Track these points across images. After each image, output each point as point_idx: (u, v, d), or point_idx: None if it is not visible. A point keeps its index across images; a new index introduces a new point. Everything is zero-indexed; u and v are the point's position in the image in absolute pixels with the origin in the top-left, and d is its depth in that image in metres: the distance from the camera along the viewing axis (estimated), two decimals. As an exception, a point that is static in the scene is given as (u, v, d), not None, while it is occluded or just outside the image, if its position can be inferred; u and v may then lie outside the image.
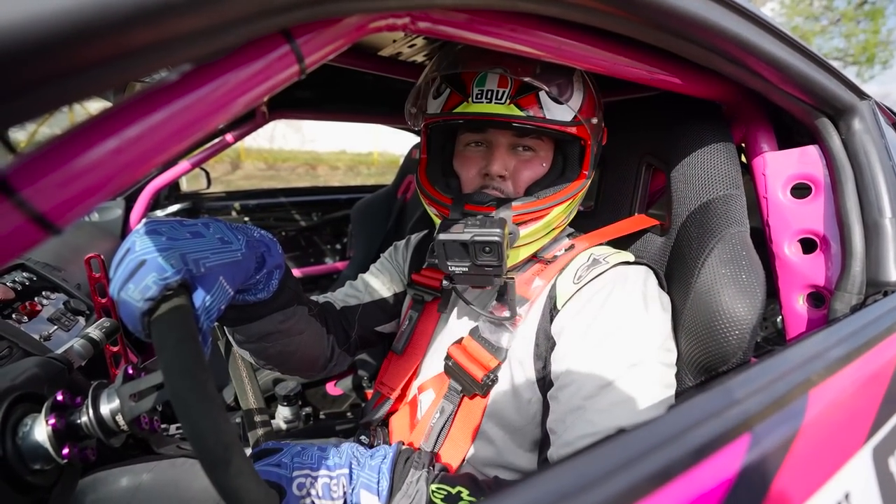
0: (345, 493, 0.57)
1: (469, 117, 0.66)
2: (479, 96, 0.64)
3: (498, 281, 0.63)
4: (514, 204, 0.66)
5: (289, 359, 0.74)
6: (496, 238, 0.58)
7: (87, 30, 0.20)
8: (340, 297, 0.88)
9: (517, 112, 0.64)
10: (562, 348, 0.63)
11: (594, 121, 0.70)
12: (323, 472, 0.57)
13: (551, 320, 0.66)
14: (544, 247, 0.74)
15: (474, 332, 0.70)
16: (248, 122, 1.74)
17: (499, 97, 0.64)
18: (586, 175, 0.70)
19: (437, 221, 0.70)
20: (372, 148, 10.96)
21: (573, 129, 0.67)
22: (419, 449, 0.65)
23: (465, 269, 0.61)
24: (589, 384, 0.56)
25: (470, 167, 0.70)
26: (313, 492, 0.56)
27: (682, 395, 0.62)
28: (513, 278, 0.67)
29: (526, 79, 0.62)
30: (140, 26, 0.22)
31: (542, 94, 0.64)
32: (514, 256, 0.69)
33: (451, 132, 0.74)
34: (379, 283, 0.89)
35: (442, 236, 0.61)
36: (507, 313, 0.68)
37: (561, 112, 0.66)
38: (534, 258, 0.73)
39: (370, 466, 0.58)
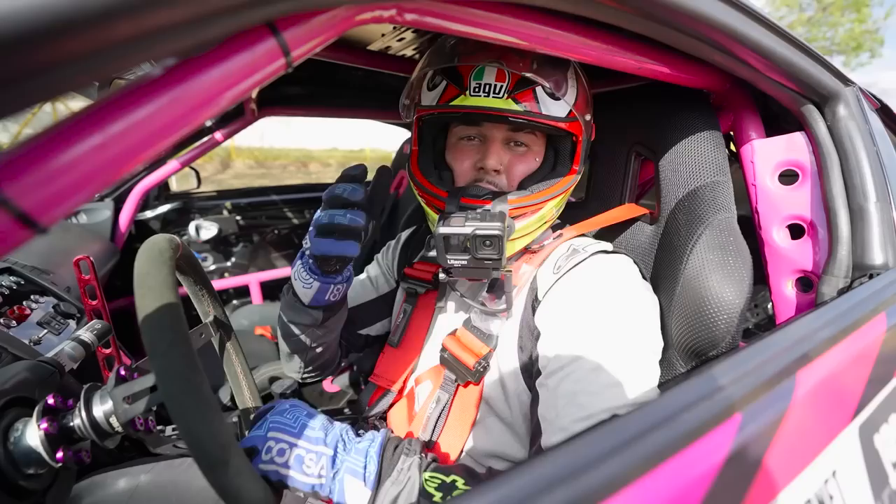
0: (321, 474, 0.51)
1: (466, 110, 0.66)
2: (476, 90, 0.64)
3: (496, 274, 0.63)
4: (510, 197, 0.66)
5: (328, 351, 0.81)
6: (497, 231, 0.58)
7: (67, 22, 0.20)
8: None
9: (514, 107, 0.64)
10: (546, 337, 0.63)
11: (587, 117, 0.71)
12: (302, 442, 0.51)
13: (534, 311, 0.67)
14: (535, 238, 0.74)
15: (467, 323, 0.71)
16: (238, 119, 1.71)
17: (496, 91, 0.64)
18: (577, 171, 0.71)
19: (431, 214, 0.70)
20: (363, 144, 10.95)
21: (567, 125, 0.68)
22: (411, 435, 0.65)
23: (465, 263, 0.62)
24: (576, 369, 0.57)
25: (463, 160, 0.71)
26: (279, 460, 0.50)
27: (672, 380, 0.63)
28: (510, 270, 0.67)
29: (524, 74, 0.62)
30: (122, 18, 0.22)
31: (539, 90, 0.65)
32: (510, 249, 0.70)
33: (443, 124, 0.74)
34: (362, 287, 0.91)
35: (442, 230, 0.60)
36: (499, 304, 0.68)
37: (556, 107, 0.66)
38: (524, 249, 0.73)
39: (356, 450, 0.54)
